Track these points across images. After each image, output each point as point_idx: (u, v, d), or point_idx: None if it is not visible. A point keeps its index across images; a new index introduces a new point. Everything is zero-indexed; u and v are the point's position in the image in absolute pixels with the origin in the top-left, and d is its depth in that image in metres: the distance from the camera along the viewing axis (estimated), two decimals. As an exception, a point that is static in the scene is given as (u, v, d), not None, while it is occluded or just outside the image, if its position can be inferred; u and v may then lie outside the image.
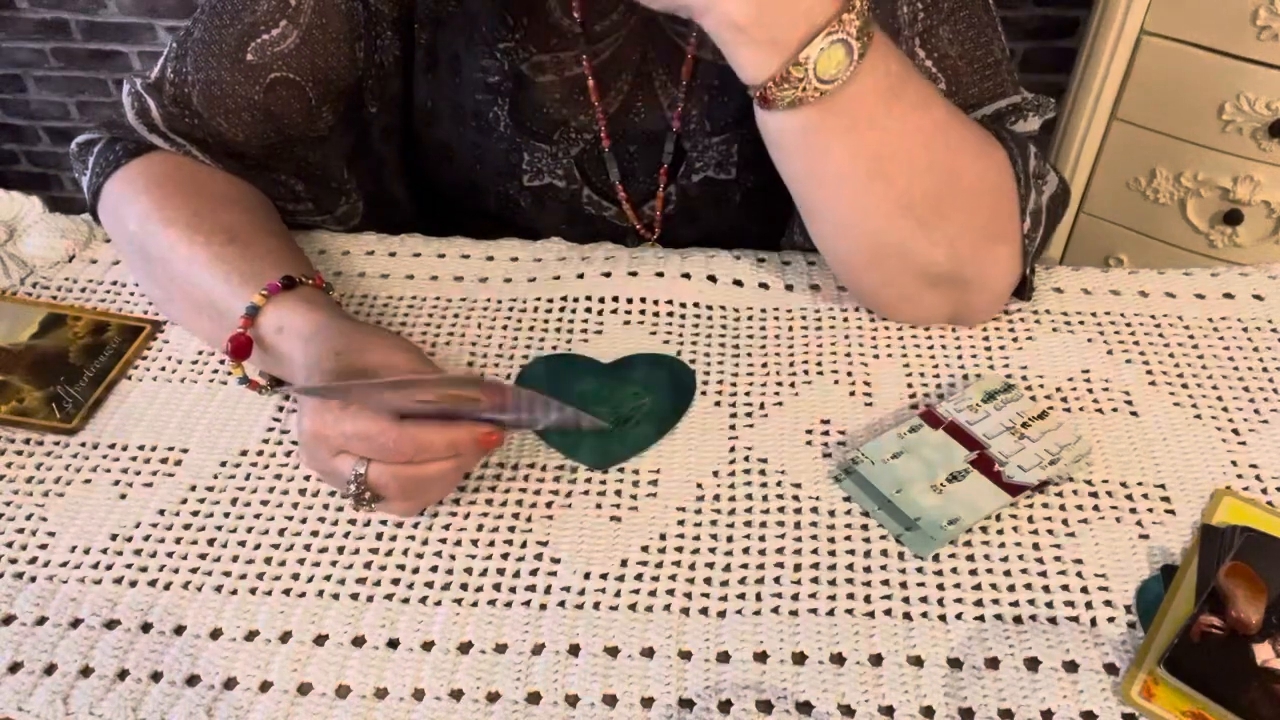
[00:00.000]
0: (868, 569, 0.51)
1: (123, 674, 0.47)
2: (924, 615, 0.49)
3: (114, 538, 0.53)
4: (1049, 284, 0.68)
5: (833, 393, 0.61)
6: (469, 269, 0.70)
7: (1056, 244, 1.48)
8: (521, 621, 0.49)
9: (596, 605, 0.49)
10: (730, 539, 0.52)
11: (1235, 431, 0.58)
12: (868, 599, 0.49)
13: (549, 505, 0.54)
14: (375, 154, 0.74)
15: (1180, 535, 0.52)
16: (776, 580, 0.50)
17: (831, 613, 0.49)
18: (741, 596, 0.50)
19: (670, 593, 0.50)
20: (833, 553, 0.52)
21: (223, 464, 0.57)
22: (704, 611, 0.49)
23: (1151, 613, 0.48)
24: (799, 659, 0.47)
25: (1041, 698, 0.45)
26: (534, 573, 0.51)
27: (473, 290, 0.68)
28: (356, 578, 0.51)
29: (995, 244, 0.60)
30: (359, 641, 0.48)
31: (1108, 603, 0.49)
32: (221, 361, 0.63)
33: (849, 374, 0.62)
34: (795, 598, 0.50)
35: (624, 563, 0.51)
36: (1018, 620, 0.48)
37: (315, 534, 0.53)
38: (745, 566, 0.51)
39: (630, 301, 0.67)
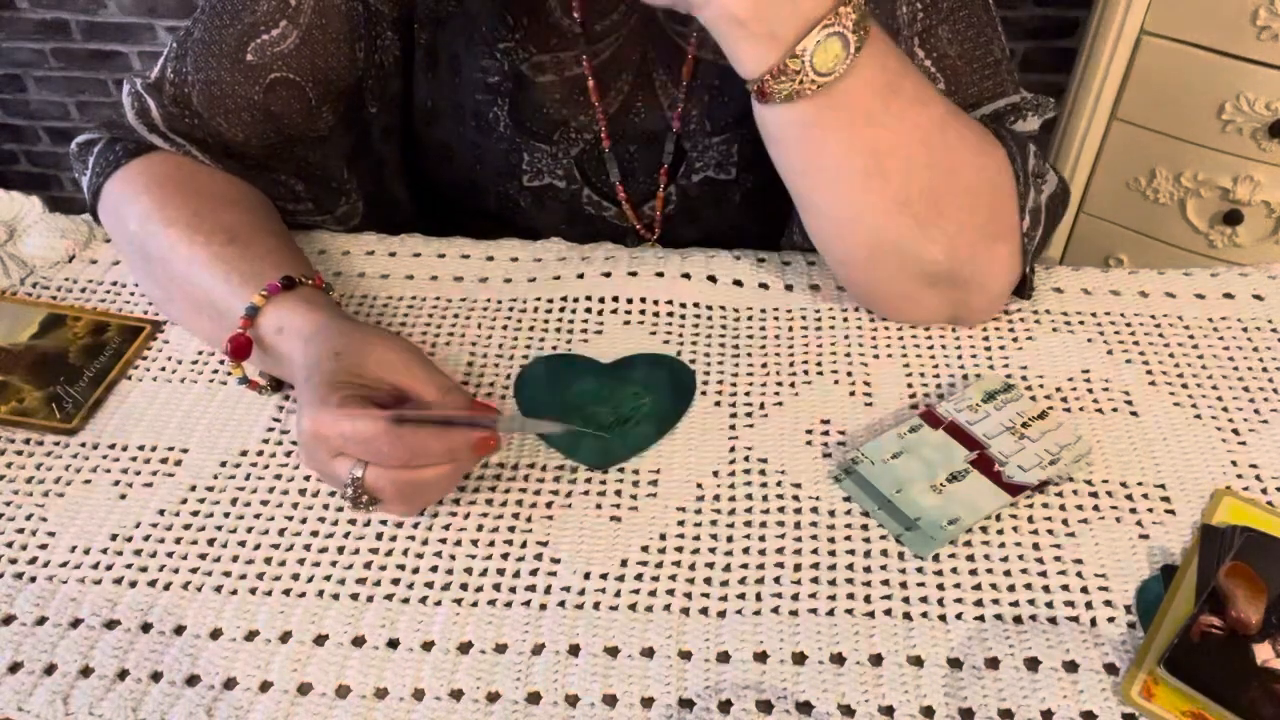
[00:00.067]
0: (868, 569, 0.51)
1: (123, 674, 0.47)
2: (924, 615, 0.49)
3: (114, 538, 0.53)
4: (1049, 284, 0.68)
5: (833, 393, 0.61)
6: (469, 269, 0.70)
7: (1056, 244, 1.48)
8: (521, 621, 0.49)
9: (596, 605, 0.49)
10: (730, 539, 0.52)
11: (1235, 431, 0.58)
12: (868, 599, 0.49)
13: (549, 505, 0.54)
14: (375, 154, 0.74)
15: (1180, 535, 0.52)
16: (776, 580, 0.50)
17: (831, 613, 0.49)
18: (741, 596, 0.50)
19: (670, 593, 0.50)
20: (833, 553, 0.52)
21: (223, 464, 0.57)
22: (704, 611, 0.49)
23: (1151, 613, 0.48)
24: (799, 659, 0.47)
25: (1041, 698, 0.45)
26: (534, 573, 0.51)
27: (473, 290, 0.68)
28: (356, 578, 0.51)
29: (994, 243, 0.60)
30: (359, 641, 0.48)
31: (1108, 603, 0.49)
32: (221, 361, 0.63)
33: (849, 374, 0.62)
34: (795, 598, 0.50)
35: (624, 563, 0.51)
36: (1018, 620, 0.48)
37: (315, 534, 0.53)
38: (745, 566, 0.51)
39: (630, 301, 0.67)
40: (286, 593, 0.50)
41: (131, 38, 1.91)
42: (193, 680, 0.47)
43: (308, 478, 0.56)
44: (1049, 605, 0.49)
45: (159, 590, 0.51)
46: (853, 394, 0.61)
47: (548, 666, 0.47)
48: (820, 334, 0.64)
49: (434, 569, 0.51)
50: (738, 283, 0.68)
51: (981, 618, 0.49)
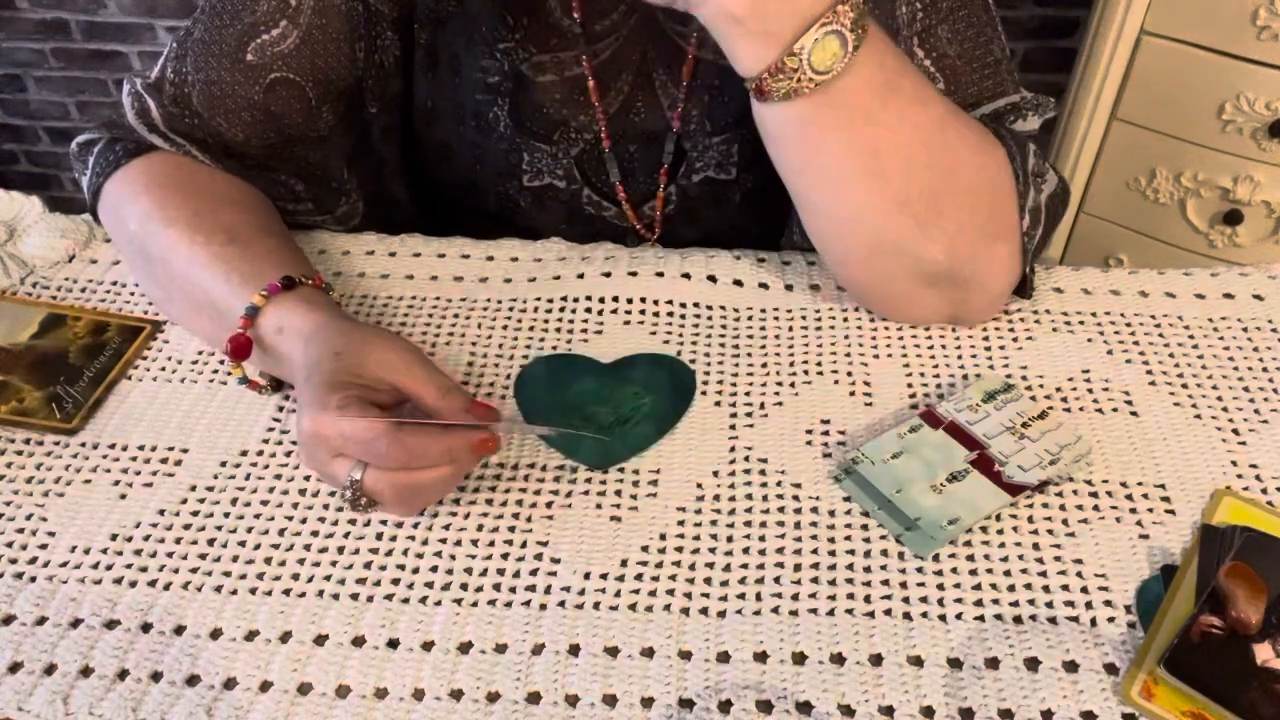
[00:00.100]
0: (868, 569, 0.51)
1: (123, 674, 0.47)
2: (924, 615, 0.49)
3: (114, 538, 0.53)
4: (1049, 284, 0.68)
5: (833, 393, 0.61)
6: (469, 269, 0.70)
7: (1056, 244, 1.48)
8: (521, 621, 0.49)
9: (596, 605, 0.49)
10: (730, 539, 0.52)
11: (1235, 431, 0.58)
12: (868, 599, 0.49)
13: (549, 505, 0.54)
14: (375, 154, 0.74)
15: (1180, 535, 0.52)
16: (776, 580, 0.50)
17: (831, 613, 0.49)
18: (741, 596, 0.50)
19: (670, 593, 0.50)
20: (833, 553, 0.52)
21: (223, 464, 0.57)
22: (704, 611, 0.49)
23: (1151, 613, 0.48)
24: (799, 659, 0.47)
25: (1041, 698, 0.45)
26: (534, 573, 0.51)
27: (473, 290, 0.68)
28: (356, 578, 0.51)
29: (994, 242, 0.60)
30: (359, 641, 0.48)
31: (1108, 603, 0.49)
32: (221, 361, 0.63)
33: (849, 374, 0.62)
34: (795, 598, 0.50)
35: (624, 563, 0.51)
36: (1018, 620, 0.48)
37: (315, 534, 0.53)
38: (745, 566, 0.51)
39: (630, 301, 0.67)
40: (286, 593, 0.50)
41: (131, 38, 1.91)
42: (193, 680, 0.47)
43: (308, 478, 0.56)
44: (1049, 605, 0.49)
45: (159, 590, 0.51)
46: (853, 394, 0.60)
47: (548, 666, 0.47)
48: (820, 334, 0.64)
49: (434, 569, 0.51)
50: (738, 283, 0.68)
51: (981, 618, 0.49)
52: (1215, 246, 1.35)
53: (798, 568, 0.51)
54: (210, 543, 0.53)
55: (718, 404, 0.60)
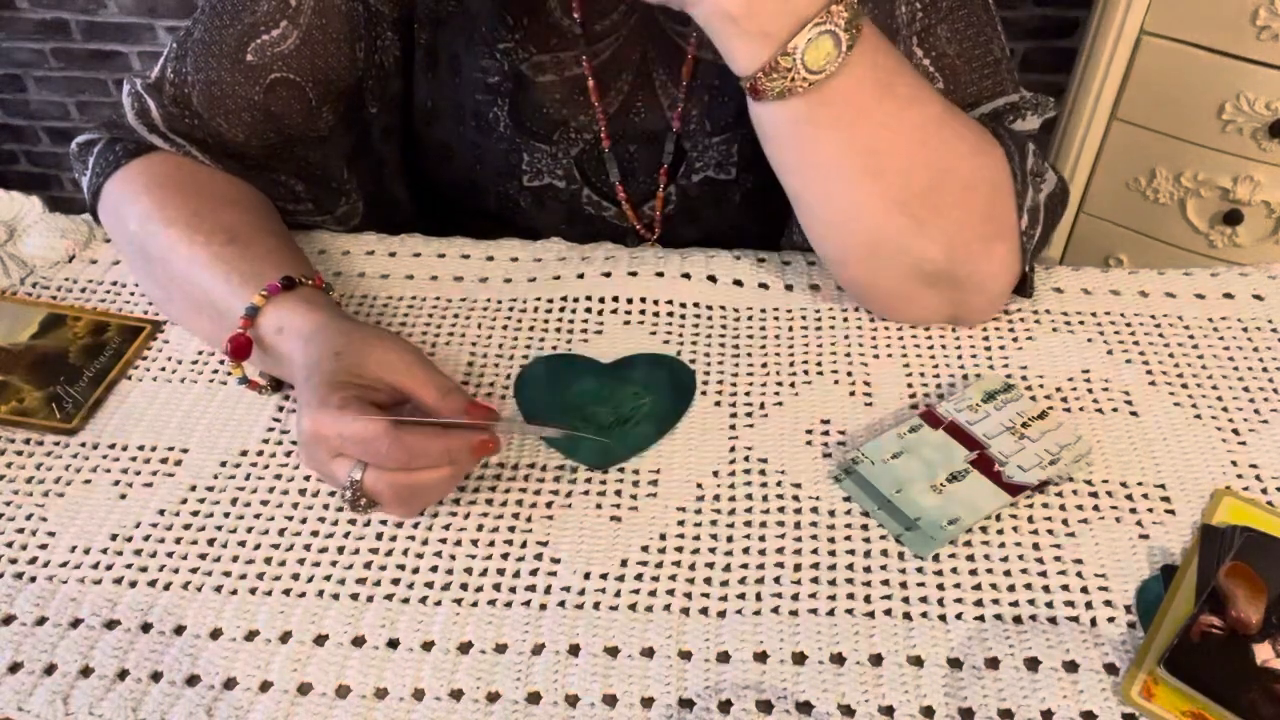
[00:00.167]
0: (868, 569, 0.51)
1: (123, 674, 0.47)
2: (924, 615, 0.49)
3: (114, 538, 0.53)
4: (1049, 284, 0.68)
5: (833, 393, 0.61)
6: (469, 269, 0.70)
7: (1056, 244, 1.48)
8: (521, 621, 0.49)
9: (596, 605, 0.49)
10: (730, 539, 0.52)
11: (1235, 431, 0.58)
12: (868, 599, 0.49)
13: (549, 505, 0.54)
14: (375, 154, 0.74)
15: (1180, 535, 0.52)
16: (776, 580, 0.50)
17: (831, 613, 0.49)
18: (741, 596, 0.50)
19: (670, 593, 0.50)
20: (833, 553, 0.52)
21: (223, 464, 0.57)
22: (704, 611, 0.49)
23: (1151, 613, 0.48)
24: (799, 659, 0.47)
25: (1041, 698, 0.45)
26: (534, 573, 0.51)
27: (473, 290, 0.68)
28: (356, 578, 0.51)
29: (992, 242, 0.60)
30: (359, 641, 0.48)
31: (1108, 603, 0.49)
32: (221, 361, 0.63)
33: (849, 374, 0.62)
34: (795, 598, 0.50)
35: (624, 563, 0.51)
36: (1018, 620, 0.48)
37: (315, 534, 0.53)
38: (745, 566, 0.51)
39: (630, 301, 0.67)
40: (286, 593, 0.50)
41: (131, 38, 1.91)
42: (193, 680, 0.47)
43: (308, 478, 0.56)
44: (1049, 605, 0.49)
45: (159, 590, 0.51)
46: (853, 394, 0.60)
47: (548, 666, 0.47)
48: (820, 334, 0.64)
49: (434, 569, 0.51)
50: (738, 283, 0.68)
51: (981, 618, 0.49)
52: (1215, 246, 1.35)
53: (798, 568, 0.51)
54: (210, 543, 0.53)
55: (718, 404, 0.60)
